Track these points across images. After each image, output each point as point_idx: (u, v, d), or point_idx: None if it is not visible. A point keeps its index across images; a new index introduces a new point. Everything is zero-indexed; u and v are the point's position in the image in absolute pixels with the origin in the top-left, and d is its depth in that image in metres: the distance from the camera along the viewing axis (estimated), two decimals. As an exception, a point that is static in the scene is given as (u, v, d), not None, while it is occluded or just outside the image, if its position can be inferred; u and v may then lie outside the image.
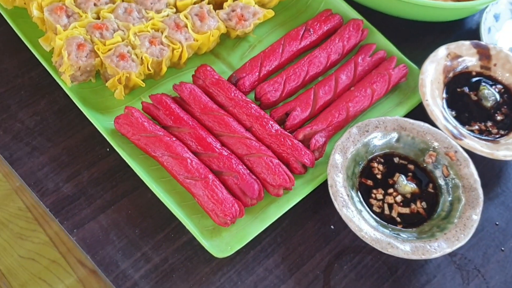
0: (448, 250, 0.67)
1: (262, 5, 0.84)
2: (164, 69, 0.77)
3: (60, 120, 0.76)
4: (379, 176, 0.73)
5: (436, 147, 0.74)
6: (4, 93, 0.77)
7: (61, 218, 0.69)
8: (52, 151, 0.74)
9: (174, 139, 0.71)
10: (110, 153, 0.74)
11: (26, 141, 0.74)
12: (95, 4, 0.77)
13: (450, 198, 0.72)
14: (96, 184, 0.72)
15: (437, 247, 0.67)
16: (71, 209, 0.70)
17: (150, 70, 0.75)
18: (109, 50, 0.74)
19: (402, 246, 0.67)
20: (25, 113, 0.76)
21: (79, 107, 0.73)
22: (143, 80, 0.75)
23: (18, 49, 0.80)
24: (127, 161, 0.70)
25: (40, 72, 0.79)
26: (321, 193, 0.73)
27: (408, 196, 0.73)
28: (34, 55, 0.77)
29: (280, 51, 0.80)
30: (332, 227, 0.73)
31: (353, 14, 0.86)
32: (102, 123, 0.73)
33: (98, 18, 0.77)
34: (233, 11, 0.81)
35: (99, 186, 0.72)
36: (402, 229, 0.70)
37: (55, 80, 0.76)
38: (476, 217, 0.70)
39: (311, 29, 0.83)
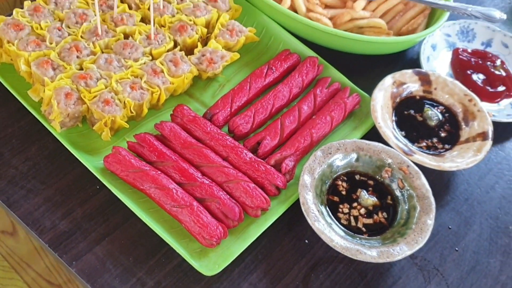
0: (409, 253, 0.77)
1: (228, 49, 0.94)
2: (145, 110, 0.85)
3: (51, 163, 0.83)
4: (343, 193, 0.83)
5: (391, 163, 0.84)
6: (-4, 142, 0.84)
7: (60, 252, 0.75)
8: (46, 192, 0.80)
9: (159, 172, 0.78)
10: (100, 190, 0.81)
11: (21, 185, 0.80)
12: (77, 57, 0.85)
13: (406, 207, 0.82)
14: (89, 219, 0.78)
15: (400, 251, 0.77)
16: (69, 243, 0.76)
17: (132, 113, 0.83)
18: (94, 97, 0.81)
19: (369, 252, 0.76)
20: (18, 159, 0.82)
21: (70, 150, 0.80)
22: (126, 122, 0.83)
23: (6, 101, 0.87)
24: (118, 195, 0.77)
25: (29, 121, 0.86)
26: (294, 212, 0.81)
27: (371, 208, 0.82)
28: (22, 106, 0.84)
29: (248, 88, 0.89)
30: (306, 241, 0.82)
31: (309, 52, 0.97)
32: (92, 163, 0.80)
33: (81, 69, 0.85)
34: (203, 55, 0.90)
35: (92, 221, 0.78)
36: (368, 237, 0.80)
37: (44, 127, 0.83)
38: (430, 221, 0.80)
39: (273, 67, 0.93)
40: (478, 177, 0.92)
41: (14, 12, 0.88)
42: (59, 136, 0.81)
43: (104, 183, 0.78)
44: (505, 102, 1.00)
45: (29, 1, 0.90)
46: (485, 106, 0.96)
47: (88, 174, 0.80)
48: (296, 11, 1.00)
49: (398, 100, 0.94)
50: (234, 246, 0.76)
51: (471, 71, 1.01)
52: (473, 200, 0.90)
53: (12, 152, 0.83)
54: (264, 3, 0.97)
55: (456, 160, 0.87)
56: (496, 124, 0.93)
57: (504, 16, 1.01)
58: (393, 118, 0.92)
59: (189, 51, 0.93)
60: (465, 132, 0.92)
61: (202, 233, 0.74)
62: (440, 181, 0.91)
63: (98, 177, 0.78)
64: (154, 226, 0.76)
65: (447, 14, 1.00)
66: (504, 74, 1.02)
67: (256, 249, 0.79)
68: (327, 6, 1.03)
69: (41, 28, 0.87)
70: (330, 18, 1.01)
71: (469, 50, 1.05)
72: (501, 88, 1.01)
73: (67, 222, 0.78)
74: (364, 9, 1.02)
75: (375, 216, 0.81)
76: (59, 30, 0.88)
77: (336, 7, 1.04)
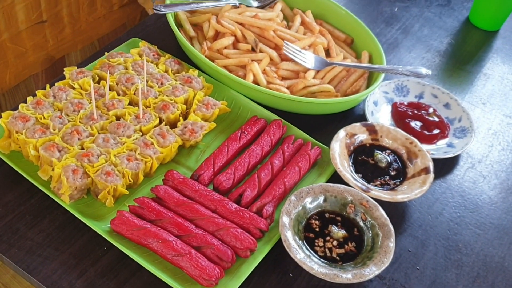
0: (378, 272, 0.91)
1: (206, 120, 1.10)
2: (141, 178, 0.99)
3: (63, 232, 0.94)
4: (317, 229, 0.98)
5: (353, 200, 1.00)
6: (12, 219, 0.95)
7: (80, 307, 0.86)
8: (61, 257, 0.91)
9: (159, 228, 0.91)
10: (108, 250, 0.93)
11: (38, 253, 0.91)
12: (78, 139, 0.99)
13: (371, 235, 0.97)
14: (101, 276, 0.90)
15: (370, 271, 0.91)
16: (86, 298, 0.87)
17: (130, 181, 0.97)
18: (97, 170, 0.95)
19: (345, 275, 0.90)
20: (33, 232, 0.94)
21: (79, 218, 0.93)
22: (126, 189, 0.97)
23: (17, 183, 0.99)
24: (125, 252, 0.89)
25: (39, 198, 0.98)
26: (278, 250, 0.95)
27: (341, 240, 0.97)
28: (31, 186, 0.97)
29: (226, 150, 1.05)
30: (290, 274, 0.95)
31: (273, 116, 1.15)
32: (100, 227, 0.92)
33: (83, 148, 0.99)
34: (185, 127, 1.06)
35: (104, 277, 0.90)
36: (342, 264, 0.94)
37: (53, 202, 0.96)
38: (392, 244, 0.95)
39: (245, 131, 1.09)
40: (427, 206, 1.09)
41: (19, 106, 1.02)
42: (68, 208, 0.94)
43: (113, 243, 0.90)
44: (441, 142, 1.19)
45: (31, 97, 1.05)
46: (425, 147, 1.14)
47: (96, 237, 0.92)
48: (258, 84, 1.18)
49: (352, 148, 1.11)
50: (230, 284, 0.89)
51: (409, 119, 1.21)
52: (426, 225, 1.06)
53: (27, 226, 0.95)
54: (231, 80, 1.15)
55: (406, 192, 1.04)
56: (436, 161, 1.11)
57: (430, 72, 1.23)
58: (350, 163, 1.09)
59: (172, 124, 1.08)
60: (411, 169, 1.09)
61: (202, 275, 0.87)
62: (396, 212, 1.07)
63: (107, 238, 0.91)
64: (160, 275, 0.88)
65: (382, 75, 1.21)
66: (437, 119, 1.22)
67: (249, 286, 0.92)
68: (283, 78, 1.22)
69: (44, 118, 1.02)
70: (287, 87, 1.20)
71: (405, 103, 1.25)
72: (436, 131, 1.20)
73: (82, 281, 0.89)
74: (314, 77, 1.22)
75: (346, 246, 0.96)
76: (60, 118, 1.02)
77: (291, 78, 1.23)
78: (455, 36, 1.48)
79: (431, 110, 1.24)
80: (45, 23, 1.86)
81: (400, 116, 1.22)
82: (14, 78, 1.83)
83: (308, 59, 1.23)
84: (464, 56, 1.43)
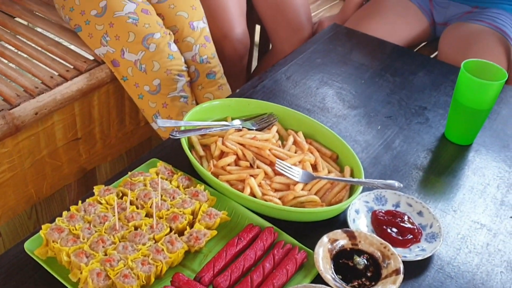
0: None
1: (209, 228, 1.31)
2: (152, 279, 1.19)
3: (86, 326, 1.13)
4: (300, 324, 1.14)
5: (331, 298, 1.17)
6: (45, 315, 1.15)
7: None
8: None
9: (166, 323, 1.10)
10: None
11: None
12: (103, 247, 1.21)
13: (346, 330, 1.13)
14: None
15: None
16: None
17: (143, 282, 1.17)
18: (117, 273, 1.16)
19: None
20: (62, 325, 1.13)
21: (101, 314, 1.12)
22: (139, 289, 1.17)
23: (52, 285, 1.20)
24: None
25: (68, 297, 1.18)
26: None
27: (321, 334, 1.13)
28: (63, 287, 1.17)
29: (225, 255, 1.25)
30: None
31: (267, 224, 1.35)
32: (117, 322, 1.11)
33: (106, 254, 1.20)
34: (191, 235, 1.27)
35: None
36: None
37: (79, 300, 1.16)
38: (364, 338, 1.10)
39: (242, 238, 1.29)
40: (401, 304, 1.25)
41: (56, 220, 1.26)
42: (92, 305, 1.13)
43: (127, 335, 1.08)
44: (414, 247, 1.37)
45: (66, 211, 1.28)
46: (399, 251, 1.32)
47: (113, 331, 1.11)
48: (254, 196, 1.40)
49: (334, 252, 1.30)
50: None
51: (386, 226, 1.40)
52: (399, 321, 1.21)
53: (57, 321, 1.14)
54: (232, 193, 1.37)
55: (379, 292, 1.20)
56: (409, 263, 1.28)
57: (401, 185, 1.43)
58: (332, 266, 1.27)
59: (180, 233, 1.30)
60: (384, 270, 1.26)
61: None
62: (373, 309, 1.23)
63: (122, 331, 1.09)
64: None
65: (361, 188, 1.42)
66: (411, 226, 1.41)
67: None
68: (276, 190, 1.44)
69: (76, 229, 1.24)
70: (280, 198, 1.41)
71: (383, 211, 1.45)
72: (409, 236, 1.38)
73: None
74: (302, 189, 1.43)
75: None
76: (89, 229, 1.25)
77: (283, 190, 1.45)
78: (431, 151, 1.70)
79: (406, 217, 1.43)
80: (79, 140, 2.15)
81: (378, 223, 1.41)
82: (50, 188, 2.10)
83: (297, 174, 1.45)
84: (439, 168, 1.64)
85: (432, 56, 2.67)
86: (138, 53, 2.03)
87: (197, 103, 2.28)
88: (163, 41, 2.05)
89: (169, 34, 2.14)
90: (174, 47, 2.13)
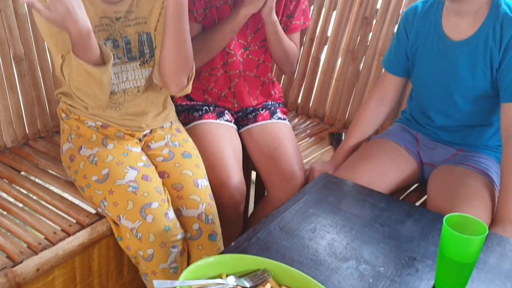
0: None
1: None
2: None
3: None
4: None
5: None
6: None
7: None
8: None
9: None
10: None
11: None
12: None
13: None
14: None
15: None
16: None
17: None
18: None
19: None
20: None
21: None
22: None
23: None
24: None
25: None
26: None
27: None
28: None
29: None
30: None
31: None
32: None
33: None
34: None
35: None
36: None
37: None
38: None
39: None
40: None
41: None
42: None
43: None
44: None
45: None
46: None
47: None
48: None
49: None
50: None
51: None
52: None
53: None
54: None
55: None
56: None
57: None
58: None
59: None
60: None
61: None
62: None
63: None
64: None
65: None
66: None
67: None
68: None
69: None
70: None
71: None
72: None
73: None
74: None
75: None
76: None
77: None
78: (422, 302, 1.73)
79: None
80: (78, 296, 2.18)
81: None
82: None
83: (291, 336, 1.48)
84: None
85: (422, 199, 2.77)
86: (136, 222, 2.11)
87: (192, 261, 2.31)
88: (161, 211, 2.10)
89: (167, 201, 2.23)
90: (171, 214, 2.13)
